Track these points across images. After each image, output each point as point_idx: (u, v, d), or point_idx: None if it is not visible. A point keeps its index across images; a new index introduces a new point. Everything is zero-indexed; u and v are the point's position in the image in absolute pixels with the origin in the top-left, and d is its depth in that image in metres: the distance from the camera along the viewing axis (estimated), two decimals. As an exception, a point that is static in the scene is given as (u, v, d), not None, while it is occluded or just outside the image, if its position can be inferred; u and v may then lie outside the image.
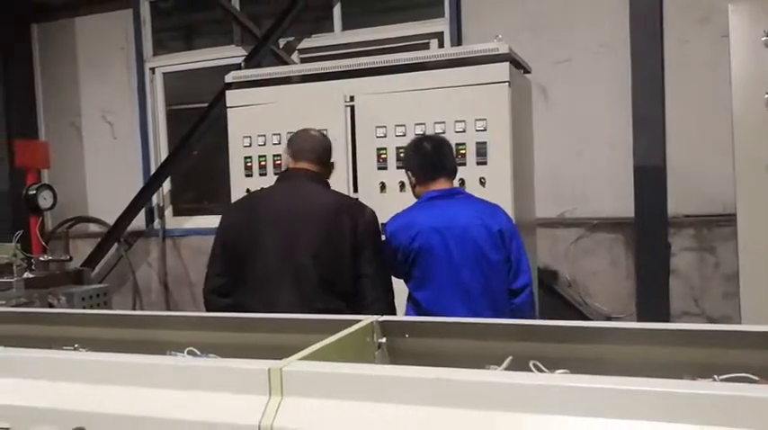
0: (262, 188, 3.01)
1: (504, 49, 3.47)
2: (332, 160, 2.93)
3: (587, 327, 1.72)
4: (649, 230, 4.94)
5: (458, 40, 5.36)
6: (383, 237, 2.94)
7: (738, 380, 1.34)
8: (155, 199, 6.51)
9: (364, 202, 2.95)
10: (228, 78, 4.03)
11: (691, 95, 5.13)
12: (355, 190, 3.73)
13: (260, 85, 3.95)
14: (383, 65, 3.69)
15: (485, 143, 3.45)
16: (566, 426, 1.20)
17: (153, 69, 6.61)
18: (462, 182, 3.44)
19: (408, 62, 3.64)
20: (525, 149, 3.85)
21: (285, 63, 5.58)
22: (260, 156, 3.87)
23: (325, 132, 3.15)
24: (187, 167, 6.44)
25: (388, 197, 3.57)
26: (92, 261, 6.32)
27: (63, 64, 6.91)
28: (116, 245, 6.54)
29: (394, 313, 2.76)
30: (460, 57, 3.55)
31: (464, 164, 3.45)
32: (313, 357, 1.52)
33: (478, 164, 3.46)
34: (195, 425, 1.42)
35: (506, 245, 2.89)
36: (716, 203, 5.03)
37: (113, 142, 6.83)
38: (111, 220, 6.47)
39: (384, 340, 1.87)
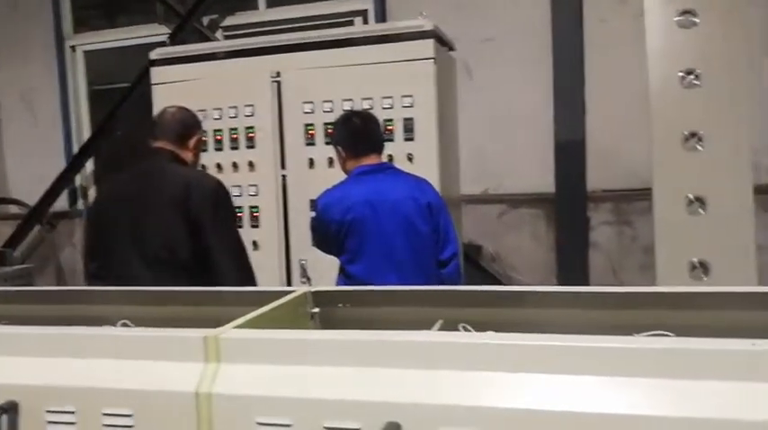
0: (122, 172, 2.97)
1: (428, 26, 3.53)
2: (194, 135, 2.89)
3: (512, 292, 1.81)
4: (569, 205, 5.11)
5: (382, 17, 5.39)
6: (314, 213, 2.98)
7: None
8: (78, 179, 6.35)
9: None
10: (153, 55, 3.97)
11: (610, 73, 5.28)
12: (283, 166, 3.75)
13: (186, 61, 3.90)
14: (310, 41, 3.70)
15: (412, 119, 3.51)
16: (493, 381, 1.26)
17: (74, 47, 6.42)
18: (390, 157, 3.49)
19: (335, 38, 3.66)
20: (451, 126, 3.92)
21: (209, 40, 5.50)
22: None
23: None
24: (111, 147, 6.30)
25: (317, 173, 3.60)
26: (13, 242, 6.14)
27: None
28: (38, 226, 6.36)
29: (251, 283, 2.75)
30: (387, 33, 3.60)
31: (392, 140, 3.51)
32: (248, 325, 1.54)
33: (406, 140, 3.52)
34: (133, 393, 1.43)
35: (434, 217, 2.97)
36: (634, 178, 5.20)
37: (34, 123, 6.62)
38: (33, 202, 6.29)
39: (317, 310, 1.91)
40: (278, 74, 3.73)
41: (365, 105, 3.54)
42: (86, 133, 6.37)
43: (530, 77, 5.32)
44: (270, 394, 1.35)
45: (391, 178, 2.98)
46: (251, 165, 3.76)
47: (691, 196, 4.95)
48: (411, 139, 3.52)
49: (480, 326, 1.66)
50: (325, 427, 1.30)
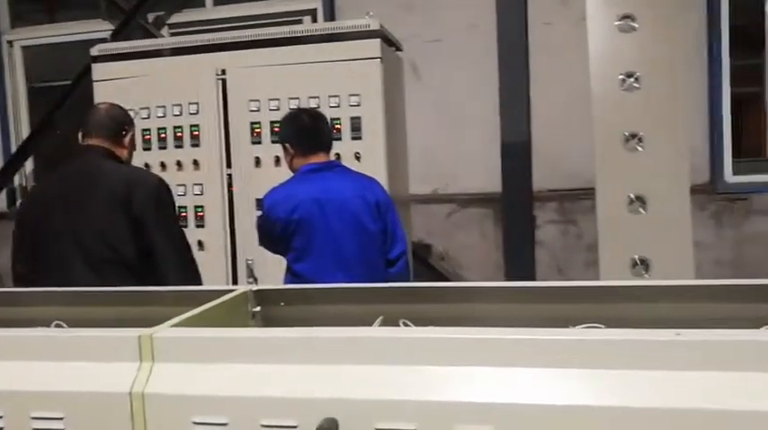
0: (54, 171, 2.91)
1: (375, 26, 3.53)
2: (129, 131, 2.83)
3: (450, 288, 1.82)
4: (515, 204, 5.17)
5: (331, 16, 5.39)
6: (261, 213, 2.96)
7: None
8: (16, 179, 6.19)
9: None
10: (95, 51, 3.89)
11: (555, 75, 5.37)
12: (228, 165, 3.71)
13: (129, 58, 3.83)
14: (256, 38, 3.67)
15: (359, 118, 3.51)
16: (430, 375, 1.27)
17: (11, 42, 6.26)
18: (338, 156, 3.48)
19: (281, 36, 3.64)
20: (398, 125, 3.94)
21: (155, 38, 5.42)
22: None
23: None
24: (51, 146, 6.15)
25: (264, 172, 3.57)
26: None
27: None
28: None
29: (196, 281, 2.73)
30: (333, 32, 3.59)
31: (340, 138, 3.50)
32: (184, 324, 1.53)
33: (353, 139, 3.52)
34: (64, 395, 1.40)
35: (382, 216, 2.97)
36: (578, 178, 5.30)
37: (-32, 119, 6.44)
38: (-33, 204, 6.12)
39: (258, 309, 1.89)
40: (223, 71, 3.69)
41: (312, 104, 3.53)
42: (25, 131, 6.21)
43: (477, 78, 5.37)
44: (205, 393, 1.34)
45: (339, 177, 2.97)
46: (195, 163, 3.71)
47: (632, 195, 5.07)
48: (359, 138, 3.52)
49: (420, 322, 1.67)
50: (262, 426, 1.29)
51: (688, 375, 1.13)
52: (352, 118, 3.51)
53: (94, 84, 3.84)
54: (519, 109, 5.03)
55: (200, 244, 3.61)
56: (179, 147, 3.72)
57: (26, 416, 1.40)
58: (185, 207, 3.69)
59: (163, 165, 3.70)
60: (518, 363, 1.23)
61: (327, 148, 3.01)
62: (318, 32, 3.62)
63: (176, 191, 3.62)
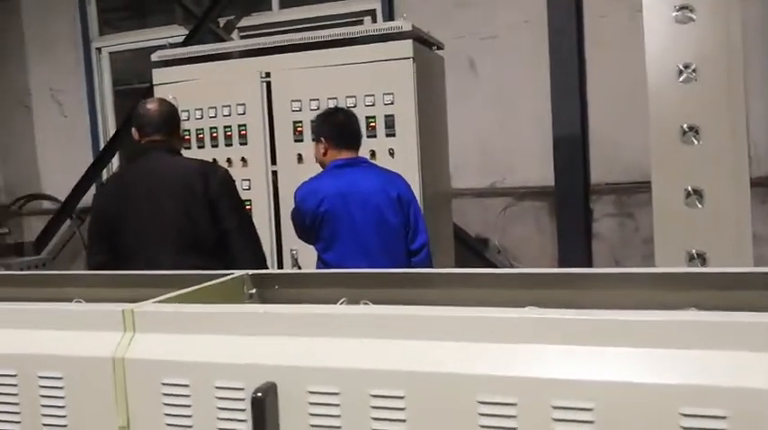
0: (124, 167, 3.17)
1: (407, 27, 3.69)
2: (180, 124, 3.10)
3: (418, 274, 1.97)
4: (569, 197, 5.22)
5: (390, 16, 5.56)
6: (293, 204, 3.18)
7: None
8: (104, 174, 6.66)
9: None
10: (154, 57, 4.22)
11: (612, 68, 5.37)
12: (273, 162, 3.96)
13: (184, 63, 4.14)
14: (297, 42, 3.90)
15: (393, 116, 3.69)
16: (385, 348, 1.41)
17: (99, 49, 6.75)
18: (373, 152, 3.68)
19: (320, 40, 3.85)
20: (436, 122, 4.08)
21: (224, 41, 5.74)
22: (185, 131, 4.07)
23: (172, 100, 3.33)
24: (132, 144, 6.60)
25: (306, 167, 3.78)
26: (45, 237, 6.49)
27: (10, 44, 7.02)
28: (69, 221, 6.70)
29: (263, 264, 2.99)
30: (368, 34, 3.77)
31: (374, 136, 3.69)
32: (170, 301, 1.74)
33: (387, 136, 3.70)
34: (63, 359, 1.64)
35: (404, 209, 3.14)
36: (635, 171, 5.29)
37: (63, 120, 6.98)
38: (63, 197, 6.63)
39: (254, 291, 2.10)
40: (267, 74, 3.95)
41: (349, 103, 3.73)
42: (112, 130, 6.68)
43: (531, 73, 5.43)
44: (172, 359, 1.55)
45: (364, 171, 3.16)
46: (243, 160, 3.99)
47: (689, 188, 5.02)
48: (392, 135, 3.69)
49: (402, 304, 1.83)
50: (216, 387, 1.49)
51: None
52: (386, 116, 3.69)
53: (154, 87, 4.17)
54: (571, 102, 5.07)
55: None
56: (229, 145, 4.00)
57: (34, 376, 1.65)
58: (236, 201, 3.96)
59: (215, 162, 3.98)
60: (451, 338, 1.36)
61: (357, 145, 3.21)
62: (355, 35, 3.80)
63: (227, 186, 3.91)
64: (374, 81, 3.70)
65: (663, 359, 1.21)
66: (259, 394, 1.41)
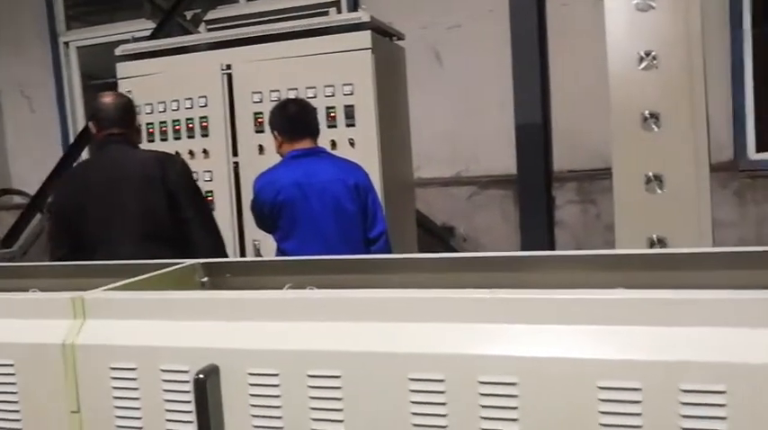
0: (82, 161, 3.21)
1: (366, 18, 3.75)
2: (136, 116, 3.15)
3: (363, 259, 2.04)
4: (531, 185, 5.30)
5: (354, 7, 5.61)
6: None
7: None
8: (74, 169, 6.66)
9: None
10: (118, 51, 4.24)
11: (575, 57, 5.45)
12: (234, 153, 4.01)
13: (146, 57, 4.17)
14: (257, 35, 3.94)
15: (352, 106, 3.74)
16: (322, 330, 1.47)
17: (67, 44, 6.73)
18: (333, 143, 3.73)
19: (280, 32, 3.90)
20: (397, 112, 4.14)
21: (191, 34, 5.76)
22: (148, 124, 4.11)
23: (127, 94, 3.39)
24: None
25: (267, 158, 3.82)
26: (15, 232, 6.46)
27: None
28: (39, 215, 6.68)
29: (223, 252, 3.04)
30: (327, 26, 3.83)
31: (335, 126, 3.75)
32: (120, 289, 1.79)
33: (347, 126, 3.76)
34: (16, 346, 1.68)
35: (362, 197, 3.20)
36: (598, 158, 5.37)
37: (32, 115, 6.96)
38: (33, 192, 6.60)
39: (206, 279, 2.15)
40: (228, 66, 3.99)
41: (309, 94, 3.78)
42: (81, 124, 6.67)
43: (495, 62, 5.50)
44: (120, 344, 1.60)
45: (321, 161, 3.21)
46: (205, 152, 4.03)
47: (649, 174, 5.13)
48: (352, 125, 3.75)
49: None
50: (161, 370, 1.55)
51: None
52: (346, 106, 3.74)
53: (118, 81, 4.19)
54: (532, 91, 5.15)
55: (211, 226, 3.90)
56: (191, 137, 4.04)
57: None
58: (198, 192, 4.00)
59: (178, 155, 4.02)
60: (379, 319, 1.43)
61: (313, 135, 3.24)
62: (314, 27, 3.85)
63: (190, 177, 3.95)
64: (334, 72, 3.75)
65: (585, 335, 1.27)
66: (201, 376, 1.47)
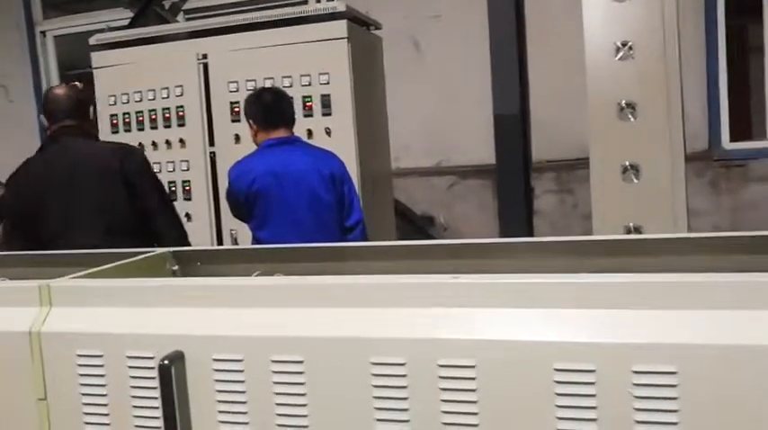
0: (35, 156, 3.14)
1: (341, 8, 3.75)
2: (90, 106, 3.09)
3: (331, 247, 2.06)
4: (510, 175, 5.32)
5: (333, -4, 5.59)
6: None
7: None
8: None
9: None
10: (92, 41, 4.22)
11: (553, 47, 5.48)
12: (211, 143, 4.00)
13: (122, 46, 4.15)
14: (233, 24, 3.94)
15: (329, 96, 3.75)
16: (285, 316, 1.48)
17: (44, 33, 6.68)
18: (310, 132, 3.73)
19: (256, 21, 3.89)
20: (375, 101, 4.15)
21: (168, 23, 5.72)
22: (124, 114, 4.10)
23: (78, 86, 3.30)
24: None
25: (243, 147, 3.80)
26: (-7, 223, 6.43)
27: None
28: None
29: (186, 240, 3.03)
30: (303, 15, 3.82)
31: (311, 115, 3.76)
32: (88, 277, 1.80)
33: (324, 115, 3.76)
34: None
35: (337, 187, 3.20)
36: (575, 148, 5.42)
37: (9, 105, 6.91)
38: (9, 183, 6.57)
39: (177, 267, 2.16)
40: (204, 56, 3.98)
41: (285, 83, 3.77)
42: (59, 115, 6.64)
43: (475, 52, 5.51)
44: (86, 331, 1.61)
45: (296, 150, 3.21)
46: (182, 142, 4.02)
47: (626, 164, 5.18)
48: (329, 114, 3.75)
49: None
50: (127, 356, 1.56)
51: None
52: (323, 95, 3.75)
53: (94, 71, 4.17)
54: (510, 82, 5.15)
55: (188, 216, 3.91)
56: (167, 127, 4.03)
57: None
58: (174, 182, 4.01)
59: (154, 144, 4.02)
60: (335, 305, 1.45)
61: (288, 124, 3.24)
62: (290, 16, 3.85)
63: (166, 167, 3.96)
64: (310, 61, 3.75)
65: (541, 318, 1.30)
66: (165, 362, 1.48)
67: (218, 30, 3.95)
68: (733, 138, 5.32)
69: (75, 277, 1.77)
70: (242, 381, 1.47)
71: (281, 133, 3.21)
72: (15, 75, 6.79)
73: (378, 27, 4.25)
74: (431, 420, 1.31)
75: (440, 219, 5.73)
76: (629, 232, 5.19)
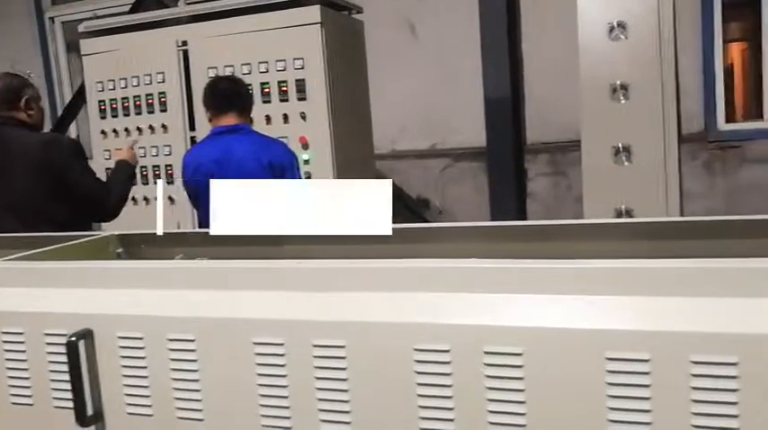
0: None
1: (315, -7, 3.82)
2: (23, 95, 3.04)
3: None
4: (501, 158, 5.36)
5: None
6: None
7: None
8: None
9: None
10: (81, 28, 4.34)
11: (547, 29, 5.47)
12: (192, 128, 4.10)
13: (108, 33, 4.26)
14: (212, 11, 4.01)
15: (303, 80, 3.81)
16: (180, 297, 1.58)
17: (52, 19, 6.83)
18: (285, 116, 3.82)
19: (233, 7, 3.96)
20: (354, 86, 4.19)
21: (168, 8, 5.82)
22: (111, 100, 4.21)
23: (28, 75, 3.38)
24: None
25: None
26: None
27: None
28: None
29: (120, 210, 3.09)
30: (277, 1, 3.88)
31: (286, 100, 3.83)
32: (33, 258, 1.90)
33: (299, 99, 3.83)
34: None
35: (276, 175, 3.20)
36: (569, 130, 5.41)
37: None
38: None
39: (121, 250, 2.26)
40: (184, 43, 4.07)
41: (261, 68, 3.85)
42: (68, 97, 6.80)
43: (469, 34, 5.52)
44: (9, 310, 1.72)
45: (240, 138, 3.23)
46: (164, 127, 4.13)
47: (618, 146, 5.17)
48: (303, 99, 3.82)
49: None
50: (44, 333, 1.66)
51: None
52: (297, 80, 3.82)
53: (83, 57, 4.29)
54: (500, 62, 5.18)
55: (171, 199, 4.01)
56: (151, 113, 4.14)
57: None
58: (158, 166, 4.12)
59: (139, 129, 4.14)
60: (264, 288, 1.51)
61: (238, 111, 3.27)
62: (264, 2, 3.91)
63: (150, 152, 4.07)
64: (285, 47, 3.82)
65: (593, 305, 1.24)
66: (73, 338, 1.58)
67: (197, 17, 4.04)
68: (728, 119, 5.27)
69: (7, 259, 1.87)
70: (143, 357, 1.57)
71: (230, 119, 3.24)
72: (27, 60, 6.96)
73: (359, 11, 4.30)
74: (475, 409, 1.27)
75: (435, 203, 5.78)
76: (620, 215, 5.20)
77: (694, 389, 1.12)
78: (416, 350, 1.30)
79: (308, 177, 3.76)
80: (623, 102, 5.13)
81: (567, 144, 5.47)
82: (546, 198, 5.60)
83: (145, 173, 4.14)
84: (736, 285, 1.17)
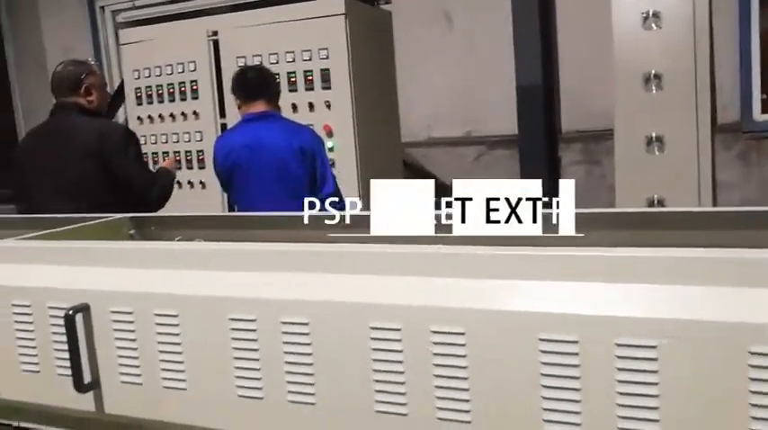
0: (37, 125, 3.31)
1: (341, -16, 3.91)
2: (84, 82, 3.16)
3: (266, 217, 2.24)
4: (533, 146, 5.37)
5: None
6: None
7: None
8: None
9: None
10: (119, 19, 4.53)
11: (583, 17, 5.44)
12: (222, 115, 4.25)
13: (144, 23, 4.44)
14: (241, 2, 4.15)
15: (328, 70, 3.91)
16: (163, 277, 1.70)
17: (102, 8, 7.06)
18: (311, 105, 3.93)
19: (259, -1, 4.10)
20: (380, 76, 4.27)
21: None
22: (146, 87, 4.39)
23: (92, 60, 3.50)
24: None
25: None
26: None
27: (24, 3, 7.40)
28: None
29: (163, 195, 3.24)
30: (305, -8, 4.00)
31: (312, 89, 3.94)
32: (46, 238, 2.05)
33: (324, 88, 3.94)
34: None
35: (308, 160, 3.34)
36: (604, 118, 5.38)
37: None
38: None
39: (134, 232, 2.40)
40: (215, 33, 4.21)
41: (288, 58, 3.97)
42: (116, 84, 7.03)
43: (505, 22, 5.53)
44: (17, 285, 1.86)
45: (271, 125, 3.36)
46: (195, 114, 4.29)
47: (651, 135, 5.15)
48: (328, 88, 3.93)
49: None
50: (48, 307, 1.80)
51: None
52: (322, 70, 3.92)
53: (120, 47, 4.47)
54: (532, 51, 5.19)
55: (203, 184, 4.18)
56: (183, 100, 4.30)
57: None
58: (190, 152, 4.29)
59: (172, 116, 4.31)
60: (239, 269, 1.63)
61: (269, 99, 3.39)
62: (291, -6, 4.03)
63: (182, 137, 4.24)
64: (310, 37, 3.93)
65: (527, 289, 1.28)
66: (70, 312, 1.72)
67: (227, 8, 4.18)
68: (765, 110, 5.17)
69: (25, 237, 2.02)
70: (133, 331, 1.69)
71: (259, 107, 3.36)
72: (79, 48, 7.20)
73: (388, 1, 4.37)
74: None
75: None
76: (651, 204, 5.18)
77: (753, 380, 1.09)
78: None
79: (333, 164, 3.86)
80: (656, 92, 5.10)
81: (602, 132, 5.45)
82: (579, 186, 5.55)
83: (178, 158, 4.31)
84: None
